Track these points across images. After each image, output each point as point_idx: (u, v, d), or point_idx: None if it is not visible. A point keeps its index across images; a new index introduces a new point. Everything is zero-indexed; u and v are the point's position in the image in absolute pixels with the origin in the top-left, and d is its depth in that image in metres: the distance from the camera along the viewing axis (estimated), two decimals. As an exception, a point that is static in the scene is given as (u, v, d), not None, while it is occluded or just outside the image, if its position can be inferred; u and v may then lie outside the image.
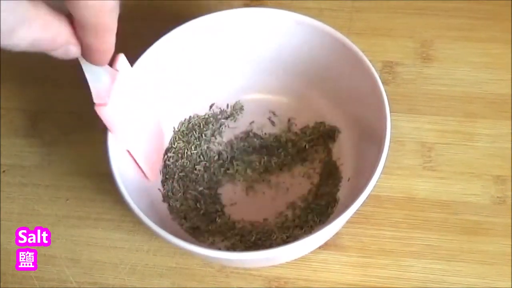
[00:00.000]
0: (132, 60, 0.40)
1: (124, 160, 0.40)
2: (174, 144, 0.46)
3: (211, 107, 0.49)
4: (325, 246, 0.43)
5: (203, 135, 0.47)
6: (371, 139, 0.40)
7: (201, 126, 0.47)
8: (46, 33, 0.28)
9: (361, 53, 0.41)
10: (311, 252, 0.42)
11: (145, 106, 0.42)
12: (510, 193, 0.45)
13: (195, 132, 0.47)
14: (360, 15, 0.54)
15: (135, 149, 0.41)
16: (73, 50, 0.30)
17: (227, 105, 0.48)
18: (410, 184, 0.46)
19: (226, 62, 0.47)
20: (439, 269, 0.43)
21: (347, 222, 0.41)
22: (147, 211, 0.38)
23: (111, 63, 0.36)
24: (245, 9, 0.45)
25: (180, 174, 0.45)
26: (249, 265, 0.43)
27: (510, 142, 0.47)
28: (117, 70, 0.37)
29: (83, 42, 0.30)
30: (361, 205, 0.36)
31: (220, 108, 0.48)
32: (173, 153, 0.46)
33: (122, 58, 0.38)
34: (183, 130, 0.47)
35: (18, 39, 0.26)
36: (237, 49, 0.46)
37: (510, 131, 0.48)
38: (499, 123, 0.48)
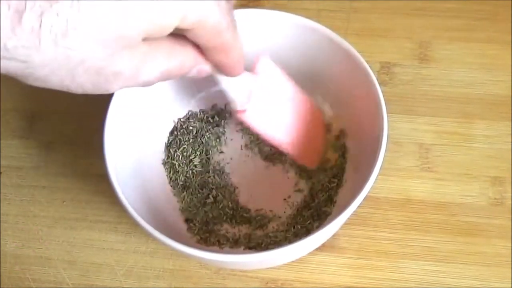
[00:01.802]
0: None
1: (120, 161, 0.40)
2: (177, 143, 0.46)
3: (213, 107, 0.49)
4: (322, 248, 0.43)
5: (203, 135, 0.47)
6: (368, 140, 0.40)
7: (201, 127, 0.47)
8: (172, 63, 0.28)
9: (358, 54, 0.41)
10: (308, 254, 0.42)
11: (288, 98, 0.41)
12: (507, 194, 0.45)
13: (195, 132, 0.47)
14: (358, 15, 0.54)
15: (287, 142, 0.40)
16: (205, 69, 0.31)
17: (225, 106, 0.48)
18: (408, 185, 0.46)
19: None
20: (436, 270, 0.43)
21: (344, 223, 0.41)
22: (144, 213, 0.38)
23: (253, 66, 0.36)
24: (242, 10, 0.45)
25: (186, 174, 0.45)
26: (245, 267, 0.43)
27: (508, 143, 0.47)
28: (256, 74, 0.37)
29: (211, 60, 0.30)
30: (358, 206, 0.36)
31: (220, 108, 0.48)
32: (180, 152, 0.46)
33: (263, 60, 0.38)
34: (183, 131, 0.47)
35: (145, 77, 0.27)
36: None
37: (508, 132, 0.48)
38: (496, 124, 0.48)
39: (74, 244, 0.45)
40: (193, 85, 0.48)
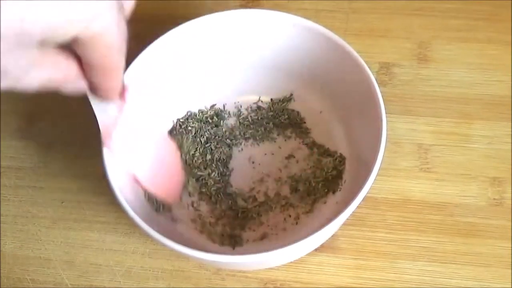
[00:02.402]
0: (128, 61, 0.40)
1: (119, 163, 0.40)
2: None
3: (212, 107, 0.49)
4: (320, 249, 0.43)
5: (202, 135, 0.47)
6: (367, 140, 0.40)
7: (200, 127, 0.47)
8: (55, 74, 0.28)
9: (356, 55, 0.41)
10: (307, 255, 0.42)
11: (153, 130, 0.41)
12: (506, 194, 0.45)
13: (194, 133, 0.47)
14: (357, 16, 0.54)
15: (145, 176, 0.39)
16: (82, 86, 0.30)
17: (224, 106, 0.48)
18: (406, 186, 0.46)
19: (221, 63, 0.47)
20: (434, 271, 0.43)
21: (343, 224, 0.41)
22: (142, 213, 0.38)
23: (120, 94, 0.36)
24: (241, 11, 0.45)
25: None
26: (244, 267, 0.43)
27: (507, 143, 0.47)
28: (124, 102, 0.36)
29: (90, 79, 0.30)
30: (357, 207, 0.36)
31: (219, 108, 0.48)
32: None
33: (132, 89, 0.37)
34: (181, 131, 0.47)
35: (28, 82, 0.27)
36: (232, 51, 0.46)
37: (507, 133, 0.48)
38: (496, 124, 0.48)
39: (73, 244, 0.45)
40: (192, 85, 0.48)
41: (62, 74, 0.28)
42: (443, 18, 0.53)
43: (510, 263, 0.43)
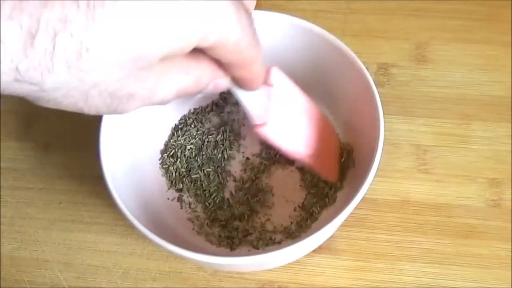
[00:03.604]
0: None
1: (116, 163, 0.39)
2: (172, 141, 0.46)
3: (208, 107, 0.49)
4: (319, 250, 0.43)
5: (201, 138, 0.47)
6: (365, 141, 0.40)
7: (196, 127, 0.47)
8: (188, 79, 0.27)
9: (354, 55, 0.41)
10: (306, 256, 0.42)
11: (302, 109, 0.41)
12: (505, 196, 0.45)
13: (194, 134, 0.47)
14: (355, 16, 0.54)
15: (311, 155, 0.40)
16: (222, 83, 0.30)
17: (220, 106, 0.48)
18: (405, 187, 0.46)
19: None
20: (433, 272, 0.43)
21: (342, 225, 0.41)
22: (140, 215, 0.38)
23: (266, 78, 0.36)
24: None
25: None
26: (242, 269, 0.43)
27: (506, 144, 0.47)
28: (271, 85, 0.36)
29: (231, 75, 0.30)
30: (355, 208, 0.36)
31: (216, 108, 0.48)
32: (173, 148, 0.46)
33: (275, 71, 0.37)
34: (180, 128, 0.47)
35: (161, 97, 0.26)
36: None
37: (506, 134, 0.48)
38: (494, 125, 0.48)
39: (71, 246, 0.45)
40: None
41: (195, 78, 0.28)
42: (441, 19, 0.53)
43: (509, 264, 0.43)
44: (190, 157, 0.46)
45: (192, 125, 0.47)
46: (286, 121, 0.38)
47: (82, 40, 0.21)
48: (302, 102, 0.40)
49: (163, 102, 0.27)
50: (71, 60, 0.21)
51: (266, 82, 0.36)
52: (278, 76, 0.37)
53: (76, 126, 0.49)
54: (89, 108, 0.24)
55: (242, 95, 0.34)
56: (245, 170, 0.46)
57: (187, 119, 0.48)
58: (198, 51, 0.26)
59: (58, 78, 0.22)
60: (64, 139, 0.49)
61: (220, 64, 0.28)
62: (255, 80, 0.31)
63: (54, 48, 0.21)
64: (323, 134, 0.42)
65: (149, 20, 0.22)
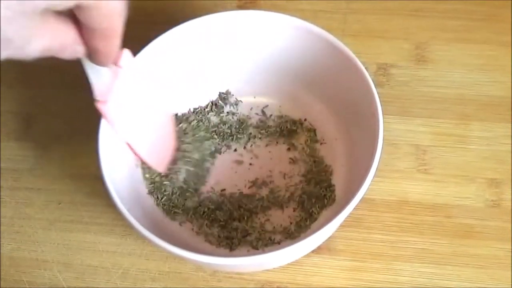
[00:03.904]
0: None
1: (115, 164, 0.40)
2: None
3: (206, 107, 0.49)
4: (317, 250, 0.43)
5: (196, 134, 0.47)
6: (364, 141, 0.40)
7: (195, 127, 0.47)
8: (55, 41, 0.28)
9: (353, 56, 0.41)
10: (304, 256, 0.42)
11: (150, 99, 0.41)
12: (504, 196, 0.45)
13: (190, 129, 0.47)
14: (355, 16, 0.54)
15: (138, 143, 0.40)
16: (80, 51, 0.30)
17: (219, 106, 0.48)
18: (404, 187, 0.46)
19: (218, 64, 0.47)
20: (431, 273, 0.43)
21: (340, 225, 0.41)
22: (139, 215, 0.38)
23: (115, 60, 0.36)
24: (238, 12, 0.45)
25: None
26: (241, 269, 0.43)
27: (505, 144, 0.47)
28: (120, 67, 0.36)
29: (89, 44, 0.30)
30: (354, 208, 0.36)
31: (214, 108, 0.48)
32: None
33: (126, 54, 0.37)
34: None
35: (30, 50, 0.27)
36: (229, 51, 0.46)
37: (505, 134, 0.48)
38: (494, 125, 0.48)
39: (70, 246, 0.45)
40: (189, 87, 0.48)
41: (60, 41, 0.28)
42: (441, 19, 0.53)
43: (507, 264, 0.43)
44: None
45: (191, 125, 0.47)
46: (125, 105, 0.38)
47: None
48: (147, 90, 0.41)
49: (28, 56, 0.27)
50: None
51: (116, 62, 0.36)
52: (128, 60, 0.38)
53: (75, 126, 0.49)
54: None
55: (90, 67, 0.34)
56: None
57: (187, 118, 0.48)
58: (67, 16, 0.27)
59: None
60: (64, 140, 0.49)
61: (81, 31, 0.29)
62: (109, 55, 0.32)
63: None
64: (160, 127, 0.43)
65: None
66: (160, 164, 0.43)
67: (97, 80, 0.35)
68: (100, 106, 0.36)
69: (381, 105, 0.39)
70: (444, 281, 0.42)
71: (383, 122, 0.38)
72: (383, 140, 0.38)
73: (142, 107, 0.40)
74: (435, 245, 0.43)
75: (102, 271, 0.44)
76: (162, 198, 0.44)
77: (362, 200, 0.36)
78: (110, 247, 0.45)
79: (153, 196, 0.44)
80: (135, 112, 0.40)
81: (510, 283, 0.42)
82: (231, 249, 0.43)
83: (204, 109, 0.48)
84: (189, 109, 0.48)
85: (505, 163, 0.46)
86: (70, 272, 0.44)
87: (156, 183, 0.44)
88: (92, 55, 0.31)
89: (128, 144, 0.39)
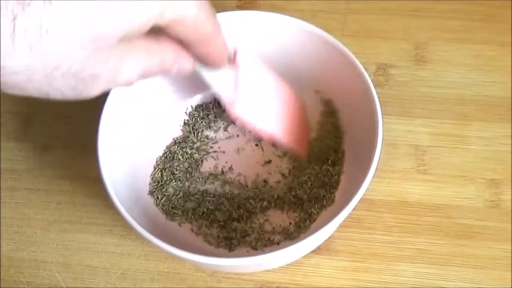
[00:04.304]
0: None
1: (114, 165, 0.39)
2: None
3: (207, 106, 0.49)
4: (317, 251, 0.43)
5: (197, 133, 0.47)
6: (363, 141, 0.40)
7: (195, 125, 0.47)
8: (151, 61, 0.28)
9: (352, 56, 0.41)
10: (303, 257, 0.42)
11: (271, 88, 0.41)
12: (503, 196, 0.45)
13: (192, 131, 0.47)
14: (354, 17, 0.54)
15: (280, 131, 0.40)
16: (187, 64, 0.30)
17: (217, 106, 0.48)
18: (403, 187, 0.46)
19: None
20: (431, 273, 0.43)
21: (340, 226, 0.41)
22: (138, 216, 0.38)
23: (230, 60, 0.36)
24: (237, 12, 0.45)
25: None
26: (240, 270, 0.43)
27: (504, 145, 0.47)
28: (237, 66, 0.36)
29: (194, 54, 0.30)
30: (353, 209, 0.36)
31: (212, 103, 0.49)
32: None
33: (241, 52, 0.37)
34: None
35: (125, 78, 0.27)
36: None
37: (504, 134, 0.48)
38: (493, 125, 0.48)
39: (69, 246, 0.45)
40: (189, 88, 0.47)
41: (158, 60, 0.28)
42: (440, 19, 0.53)
43: (507, 264, 0.43)
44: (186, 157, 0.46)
45: (192, 126, 0.47)
46: (255, 100, 0.38)
47: (41, 21, 0.22)
48: (270, 81, 0.41)
49: (128, 83, 0.27)
50: (32, 41, 0.22)
51: (232, 62, 0.36)
52: (244, 56, 0.38)
53: (74, 127, 0.49)
54: (54, 92, 0.25)
55: (208, 76, 0.34)
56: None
57: (187, 119, 0.48)
58: (159, 33, 0.27)
59: (21, 61, 0.22)
60: (63, 140, 0.49)
61: (181, 45, 0.29)
62: (217, 57, 0.32)
63: (14, 30, 0.21)
64: (294, 112, 0.42)
65: (105, 0, 0.23)
66: (302, 149, 0.43)
67: (219, 85, 0.35)
68: (231, 109, 0.36)
69: (380, 106, 0.39)
70: (443, 282, 0.42)
71: (383, 122, 0.38)
72: (382, 140, 0.37)
73: (269, 95, 0.40)
74: (435, 246, 0.43)
75: (101, 272, 0.44)
76: (162, 199, 0.44)
77: (362, 200, 0.36)
78: (109, 247, 0.45)
79: (153, 197, 0.44)
80: (265, 102, 0.39)
81: (510, 284, 0.42)
82: (230, 249, 0.43)
83: (208, 105, 0.48)
84: (191, 106, 0.48)
85: (505, 163, 0.46)
86: (69, 273, 0.44)
87: (160, 183, 0.44)
88: (203, 62, 0.31)
89: (271, 135, 0.39)
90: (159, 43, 0.28)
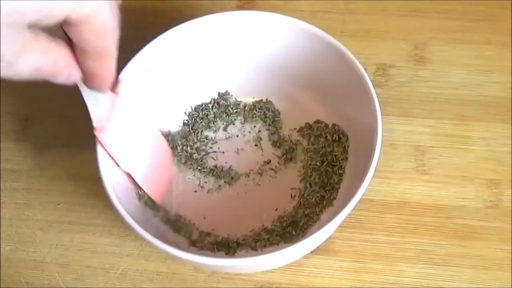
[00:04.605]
0: (124, 62, 0.40)
1: (113, 165, 0.39)
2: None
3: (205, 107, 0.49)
4: (317, 251, 0.43)
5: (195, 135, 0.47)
6: (363, 142, 0.40)
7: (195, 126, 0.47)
8: (47, 59, 0.27)
9: (352, 56, 0.41)
10: (304, 257, 0.42)
11: (148, 129, 0.41)
12: (503, 197, 0.45)
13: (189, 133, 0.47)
14: (354, 17, 0.54)
15: (137, 172, 0.40)
16: (75, 74, 0.30)
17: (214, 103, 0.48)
18: (403, 188, 0.46)
19: (216, 65, 0.47)
20: (432, 274, 0.42)
21: (340, 226, 0.41)
22: (137, 216, 0.38)
23: (113, 88, 0.36)
24: (237, 12, 0.45)
25: None
26: (240, 270, 0.43)
27: (504, 145, 0.47)
28: (118, 94, 0.36)
29: (83, 67, 0.30)
30: (353, 209, 0.35)
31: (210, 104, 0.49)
32: None
33: (124, 81, 0.37)
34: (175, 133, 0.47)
35: (20, 68, 0.26)
36: (228, 52, 0.46)
37: (504, 134, 0.47)
38: (493, 126, 0.48)
39: (68, 247, 0.45)
40: (187, 87, 0.47)
41: (53, 61, 0.28)
42: (439, 19, 0.53)
43: (508, 265, 0.43)
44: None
45: (191, 126, 0.47)
46: (124, 133, 0.38)
47: None
48: (144, 120, 0.41)
49: (19, 75, 0.27)
50: None
51: (113, 89, 0.36)
52: (126, 88, 0.37)
53: (73, 127, 0.49)
54: None
55: (87, 94, 0.34)
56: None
57: (186, 119, 0.48)
58: (61, 39, 0.27)
59: None
60: (62, 140, 0.49)
61: (75, 53, 0.29)
62: (105, 79, 0.31)
63: None
64: (159, 157, 0.42)
65: None
66: (159, 194, 0.43)
67: (94, 107, 0.35)
68: (98, 134, 0.36)
69: (379, 106, 0.39)
70: (443, 282, 0.42)
71: (382, 122, 0.38)
72: (382, 140, 0.37)
73: (140, 135, 0.40)
74: (435, 246, 0.43)
75: (101, 272, 0.44)
76: None
77: (362, 201, 0.36)
78: (108, 248, 0.45)
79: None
80: (133, 140, 0.39)
81: (510, 284, 0.42)
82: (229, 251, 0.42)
83: (207, 105, 0.48)
84: (191, 106, 0.48)
85: (505, 164, 0.46)
86: (69, 273, 0.44)
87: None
88: (88, 78, 0.31)
89: (127, 173, 0.39)
90: (57, 44, 0.28)
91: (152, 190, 0.42)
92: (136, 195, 0.41)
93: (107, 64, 0.30)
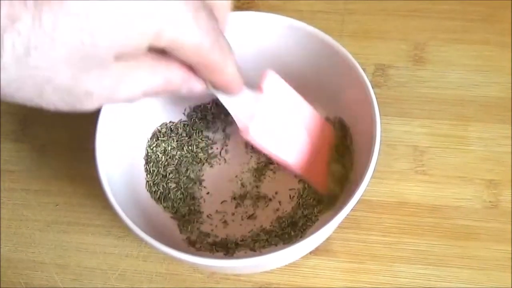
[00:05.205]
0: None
1: (112, 165, 0.39)
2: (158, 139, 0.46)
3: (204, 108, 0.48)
4: (315, 252, 0.43)
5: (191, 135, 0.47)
6: (362, 142, 0.40)
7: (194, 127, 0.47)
8: (155, 80, 0.27)
9: (351, 57, 0.41)
10: (302, 258, 0.42)
11: (297, 116, 0.40)
12: (502, 197, 0.45)
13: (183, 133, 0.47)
14: (353, 17, 0.54)
15: (298, 163, 0.39)
16: (197, 86, 0.29)
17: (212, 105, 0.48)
18: (402, 188, 0.46)
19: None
20: (430, 274, 0.43)
21: (338, 227, 0.41)
22: (136, 217, 0.38)
23: (259, 84, 0.35)
24: (236, 13, 0.44)
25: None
26: (238, 271, 0.43)
27: (503, 145, 0.47)
28: (261, 90, 0.35)
29: (202, 78, 0.29)
30: (352, 210, 0.35)
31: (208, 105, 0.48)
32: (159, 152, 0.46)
33: (271, 75, 0.36)
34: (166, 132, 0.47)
35: (126, 95, 0.26)
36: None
37: (503, 135, 0.47)
38: (492, 126, 0.48)
39: (67, 247, 0.45)
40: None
41: (163, 78, 0.27)
42: (439, 20, 0.53)
43: (506, 266, 0.43)
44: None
45: (190, 127, 0.47)
46: (276, 128, 0.37)
47: (30, 38, 0.22)
48: (297, 108, 0.40)
49: (129, 101, 0.27)
50: (20, 56, 0.22)
51: (258, 87, 0.35)
52: (273, 81, 0.37)
53: (72, 127, 0.49)
54: (46, 103, 0.25)
55: (223, 98, 0.33)
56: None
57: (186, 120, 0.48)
58: (169, 56, 0.26)
59: (9, 74, 0.22)
60: (61, 141, 0.49)
61: (192, 67, 0.28)
62: (229, 85, 0.31)
63: (1, 44, 0.21)
64: (318, 143, 0.41)
65: (96, 20, 0.22)
66: (321, 182, 0.42)
67: (234, 108, 0.34)
68: (243, 133, 0.35)
69: (378, 106, 0.39)
70: (442, 283, 0.42)
71: (381, 123, 0.38)
72: (380, 141, 0.37)
73: (292, 123, 0.39)
74: (433, 247, 0.43)
75: (99, 273, 0.44)
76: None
77: (360, 201, 0.36)
78: (107, 248, 0.45)
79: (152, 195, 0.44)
80: (286, 130, 0.38)
81: (510, 285, 0.42)
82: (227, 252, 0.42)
83: (206, 107, 0.48)
84: (190, 107, 0.48)
85: (504, 164, 0.46)
86: (67, 274, 0.44)
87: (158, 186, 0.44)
88: (215, 87, 0.30)
89: (287, 164, 0.38)
90: (167, 62, 0.27)
91: (316, 179, 0.41)
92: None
93: (224, 74, 0.29)
